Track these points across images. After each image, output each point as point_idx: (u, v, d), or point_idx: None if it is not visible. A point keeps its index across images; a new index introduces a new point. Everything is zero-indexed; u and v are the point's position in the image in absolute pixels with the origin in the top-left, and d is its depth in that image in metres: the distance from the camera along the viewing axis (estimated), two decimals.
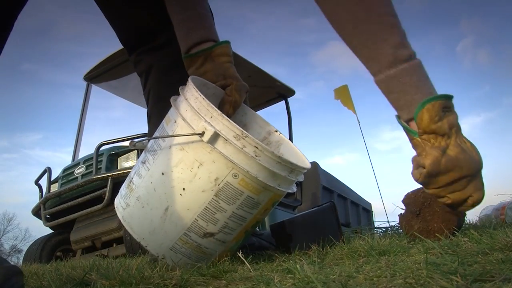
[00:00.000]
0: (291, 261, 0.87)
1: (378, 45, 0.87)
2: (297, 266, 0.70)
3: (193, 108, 0.89)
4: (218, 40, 1.14)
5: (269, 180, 0.88)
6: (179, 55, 1.15)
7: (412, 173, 0.90)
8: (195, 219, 0.89)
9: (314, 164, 4.79)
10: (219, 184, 0.87)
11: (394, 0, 0.90)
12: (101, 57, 4.00)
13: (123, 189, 1.02)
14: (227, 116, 0.87)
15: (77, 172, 3.54)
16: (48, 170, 3.71)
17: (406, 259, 0.72)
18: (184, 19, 1.13)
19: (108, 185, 3.12)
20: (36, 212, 3.79)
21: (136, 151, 3.33)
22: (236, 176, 0.86)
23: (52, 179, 3.72)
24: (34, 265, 1.86)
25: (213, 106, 0.87)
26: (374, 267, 0.68)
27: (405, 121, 0.91)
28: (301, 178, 0.98)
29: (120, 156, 3.44)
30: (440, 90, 0.89)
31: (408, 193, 1.00)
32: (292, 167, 0.92)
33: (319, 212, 1.19)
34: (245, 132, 0.85)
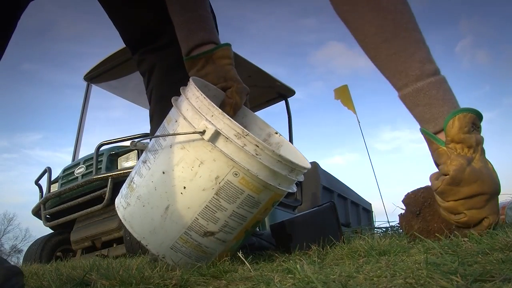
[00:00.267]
0: (291, 261, 0.87)
1: (405, 59, 0.88)
2: (297, 266, 0.70)
3: (194, 107, 0.89)
4: (219, 42, 1.14)
5: (269, 179, 0.89)
6: (181, 55, 1.15)
7: (432, 181, 0.89)
8: (196, 218, 0.89)
9: (314, 164, 4.79)
10: (219, 183, 0.87)
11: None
12: (101, 57, 4.01)
13: (124, 189, 1.02)
14: None
15: (77, 172, 3.54)
16: (48, 170, 3.72)
17: (406, 259, 0.72)
18: (185, 20, 1.13)
19: (108, 185, 3.12)
20: (36, 212, 3.79)
21: (136, 151, 3.33)
22: (236, 174, 0.86)
23: (52, 179, 3.72)
24: (34, 265, 1.86)
25: (214, 105, 0.87)
26: (374, 267, 0.68)
27: (433, 133, 0.90)
28: (301, 178, 0.98)
29: (120, 156, 3.44)
30: None
31: (408, 193, 1.00)
32: (293, 167, 0.92)
33: (319, 212, 1.19)
34: (246, 131, 0.85)
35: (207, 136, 0.85)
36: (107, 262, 1.14)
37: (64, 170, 3.74)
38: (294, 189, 0.99)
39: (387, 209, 5.64)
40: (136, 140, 0.95)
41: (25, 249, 4.14)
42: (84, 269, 0.95)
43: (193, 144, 0.88)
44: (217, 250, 0.94)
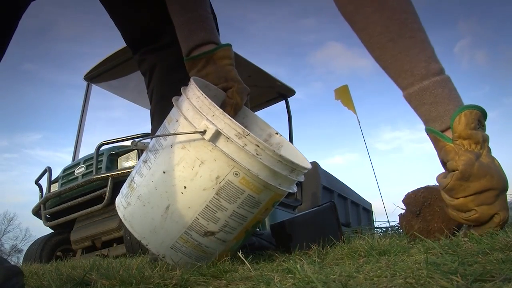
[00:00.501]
0: (291, 261, 0.87)
1: (410, 58, 0.89)
2: (297, 266, 0.70)
3: (194, 107, 0.89)
4: (219, 42, 1.14)
5: (270, 179, 0.89)
6: (182, 55, 1.15)
7: (439, 180, 0.89)
8: (196, 217, 0.89)
9: (314, 164, 4.79)
10: (220, 183, 0.87)
11: None
12: (101, 57, 4.01)
13: (124, 188, 1.02)
14: None
15: (77, 172, 3.54)
16: (48, 170, 3.72)
17: (406, 259, 0.72)
18: (185, 21, 1.13)
19: (108, 185, 3.12)
20: (37, 212, 3.79)
21: (136, 151, 3.33)
22: (237, 174, 0.86)
23: (52, 179, 3.72)
24: (34, 265, 1.86)
25: (215, 105, 0.88)
26: (374, 267, 0.68)
27: (440, 131, 0.90)
28: (301, 178, 0.98)
29: (120, 156, 3.44)
30: None
31: (408, 193, 1.00)
32: (293, 167, 0.92)
33: (319, 212, 1.19)
34: (247, 131, 0.85)
35: (207, 136, 0.85)
36: (107, 262, 1.14)
37: (64, 170, 3.74)
38: (294, 189, 0.99)
39: (387, 209, 5.64)
40: (136, 140, 0.95)
41: (25, 249, 4.15)
42: (84, 269, 0.95)
43: (194, 144, 0.88)
44: (217, 250, 0.94)
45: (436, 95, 0.88)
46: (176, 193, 0.90)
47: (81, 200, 3.34)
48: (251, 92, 1.17)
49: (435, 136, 0.90)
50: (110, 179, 3.14)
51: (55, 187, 3.66)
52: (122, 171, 3.18)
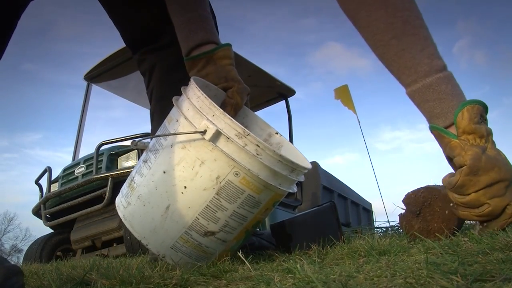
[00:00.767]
0: (291, 260, 0.87)
1: (414, 55, 0.89)
2: (297, 266, 0.70)
3: (195, 107, 0.89)
4: (219, 42, 1.14)
5: (270, 179, 0.89)
6: (182, 55, 1.15)
7: (446, 180, 0.88)
8: (196, 217, 0.89)
9: (314, 164, 4.79)
10: (220, 183, 0.87)
11: None
12: (101, 57, 4.01)
13: (124, 188, 1.02)
14: None
15: (77, 171, 3.54)
16: (48, 170, 3.72)
17: (406, 259, 0.72)
18: (185, 21, 1.13)
19: (109, 184, 3.12)
20: (37, 212, 3.79)
21: (136, 150, 3.33)
22: (237, 174, 0.86)
23: (52, 178, 3.72)
24: (34, 265, 1.86)
25: (215, 105, 0.87)
26: (374, 267, 0.68)
27: (444, 127, 0.90)
28: (301, 178, 0.98)
29: (120, 155, 3.44)
30: None
31: (408, 193, 1.00)
32: (293, 167, 0.92)
33: (319, 212, 1.19)
34: (247, 131, 0.85)
35: (208, 136, 0.85)
36: (107, 262, 1.14)
37: (64, 170, 3.74)
38: (294, 189, 0.99)
39: (387, 209, 5.64)
40: (136, 139, 0.95)
41: (25, 248, 4.15)
42: (84, 269, 0.95)
43: (194, 143, 0.88)
44: (217, 250, 0.94)
45: (440, 92, 0.89)
46: (176, 193, 0.90)
47: (81, 200, 3.34)
48: (251, 92, 1.17)
49: (440, 133, 0.90)
50: (110, 179, 3.14)
51: (55, 187, 3.66)
52: (122, 171, 3.18)
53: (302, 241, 1.08)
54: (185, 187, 0.89)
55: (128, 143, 3.51)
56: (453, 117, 0.88)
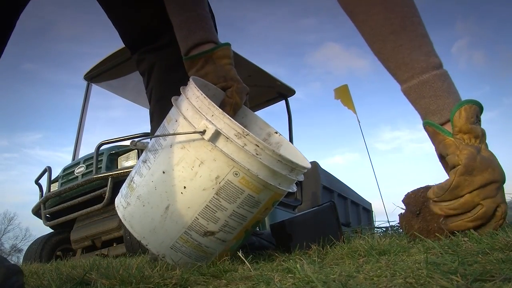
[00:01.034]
0: (291, 260, 0.87)
1: (411, 51, 0.89)
2: (297, 265, 0.70)
3: (194, 107, 0.89)
4: (218, 41, 1.14)
5: (269, 179, 0.89)
6: (181, 55, 1.15)
7: (436, 188, 0.88)
8: (196, 217, 0.89)
9: (314, 164, 4.79)
10: (220, 183, 0.87)
11: None
12: (101, 57, 4.01)
13: (123, 189, 1.02)
14: None
15: (77, 171, 3.55)
16: (48, 170, 3.72)
17: (406, 259, 0.72)
18: (183, 20, 1.13)
19: (108, 184, 3.13)
20: (36, 212, 3.79)
21: (136, 150, 3.33)
22: (237, 174, 0.86)
23: (52, 178, 3.72)
24: (34, 265, 1.86)
25: (214, 105, 0.87)
26: (374, 266, 0.68)
27: (439, 124, 0.90)
28: (301, 177, 0.98)
29: (120, 155, 3.45)
30: None
31: (408, 192, 1.00)
32: (293, 166, 0.92)
33: (319, 211, 1.19)
34: (246, 131, 0.85)
35: (207, 136, 0.85)
36: (107, 262, 1.14)
37: (64, 170, 3.74)
38: (294, 188, 0.99)
39: (387, 209, 5.64)
40: (136, 139, 0.95)
41: (25, 248, 4.15)
42: (84, 269, 0.95)
43: (193, 143, 0.88)
44: (217, 250, 0.94)
45: (436, 89, 0.89)
46: (176, 193, 0.90)
47: (81, 200, 3.34)
48: (251, 92, 1.17)
49: (434, 130, 0.91)
50: (110, 178, 3.14)
51: (55, 187, 3.66)
52: (122, 171, 3.18)
53: (302, 241, 1.07)
54: (184, 187, 0.89)
55: (128, 143, 3.51)
56: (448, 115, 0.88)
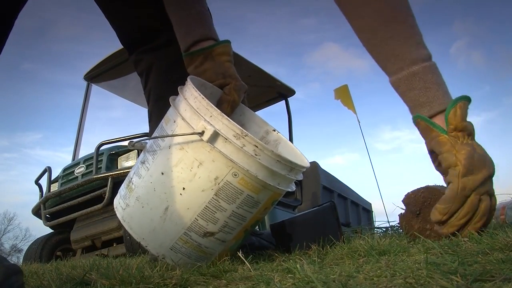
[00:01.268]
0: (291, 260, 0.87)
1: (401, 43, 0.89)
2: (297, 265, 0.70)
3: (192, 108, 0.89)
4: (217, 38, 1.14)
5: (268, 179, 0.89)
6: (179, 54, 1.15)
7: (436, 211, 0.88)
8: (195, 218, 0.89)
9: (314, 164, 4.78)
10: (219, 183, 0.87)
11: None
12: (101, 57, 4.01)
13: (122, 190, 1.02)
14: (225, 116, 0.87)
15: (77, 171, 3.54)
16: (48, 170, 3.72)
17: (406, 259, 0.72)
18: (183, 17, 1.13)
19: (108, 184, 3.12)
20: (36, 212, 3.79)
21: (136, 150, 3.33)
22: (236, 175, 0.86)
23: (52, 178, 3.72)
24: (34, 265, 1.86)
25: (213, 106, 0.87)
26: (374, 267, 0.68)
27: (428, 116, 0.91)
28: (300, 176, 0.98)
29: (120, 155, 3.44)
30: None
31: (408, 193, 1.00)
32: (292, 166, 0.92)
33: (319, 212, 1.19)
34: (245, 131, 0.85)
35: (206, 137, 0.85)
36: (107, 262, 1.14)
37: (64, 170, 3.74)
38: (293, 187, 0.99)
39: (387, 209, 5.64)
40: (134, 140, 0.95)
41: (25, 248, 4.15)
42: (84, 269, 0.95)
43: (192, 145, 0.88)
44: (217, 250, 0.94)
45: (426, 81, 0.88)
46: (175, 194, 0.89)
47: (81, 200, 3.34)
48: (251, 92, 1.17)
49: (426, 125, 0.90)
50: (110, 178, 3.14)
51: (55, 187, 3.66)
52: (122, 171, 3.18)
53: (302, 241, 1.07)
54: (183, 188, 0.89)
55: (127, 143, 3.50)
56: (438, 107, 0.88)
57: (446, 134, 0.88)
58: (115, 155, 3.46)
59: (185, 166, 0.88)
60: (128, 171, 0.99)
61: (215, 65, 1.10)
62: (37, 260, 3.38)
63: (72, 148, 4.25)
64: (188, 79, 0.96)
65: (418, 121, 0.92)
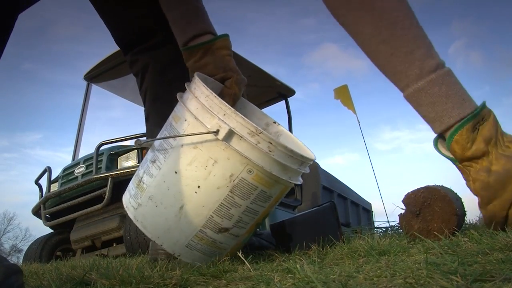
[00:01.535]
0: (291, 260, 0.87)
1: (403, 59, 0.86)
2: (297, 266, 0.70)
3: (204, 106, 0.89)
4: (215, 33, 1.14)
5: (281, 174, 0.90)
6: (174, 54, 1.15)
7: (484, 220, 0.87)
8: (211, 215, 0.91)
9: (314, 164, 4.79)
10: (234, 181, 0.88)
11: None
12: (101, 57, 4.01)
13: (132, 189, 1.02)
14: None
15: (77, 171, 3.55)
16: (48, 170, 3.72)
17: (406, 259, 0.72)
18: (181, 12, 1.13)
19: (108, 184, 3.12)
20: (36, 212, 3.79)
21: (136, 151, 3.33)
22: (250, 171, 0.88)
23: (52, 178, 3.72)
24: (34, 265, 1.86)
25: (226, 104, 0.88)
26: (374, 267, 0.68)
27: (439, 133, 0.88)
28: (307, 170, 1.00)
29: (120, 155, 3.45)
30: None
31: (408, 193, 1.00)
32: (303, 160, 0.94)
33: (319, 212, 1.19)
34: (259, 129, 0.87)
35: (221, 135, 0.86)
36: (107, 262, 1.14)
37: (64, 170, 3.74)
38: (301, 180, 1.01)
39: (387, 209, 5.64)
40: (141, 139, 0.96)
41: (25, 248, 4.15)
42: (84, 269, 0.95)
43: (206, 143, 0.89)
44: (230, 245, 0.96)
45: (432, 95, 0.85)
46: (190, 193, 0.90)
47: (81, 200, 3.34)
48: (251, 92, 1.17)
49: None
50: (110, 179, 3.14)
51: (55, 187, 3.66)
52: (122, 171, 3.18)
53: (302, 241, 1.07)
54: (198, 186, 0.90)
55: (127, 143, 3.51)
56: (448, 121, 0.85)
57: (458, 163, 0.87)
58: (115, 155, 3.46)
59: (200, 164, 0.89)
60: (128, 171, 0.99)
61: (215, 59, 1.10)
62: (37, 260, 3.38)
63: (72, 148, 4.26)
64: (196, 76, 0.96)
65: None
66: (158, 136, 1.00)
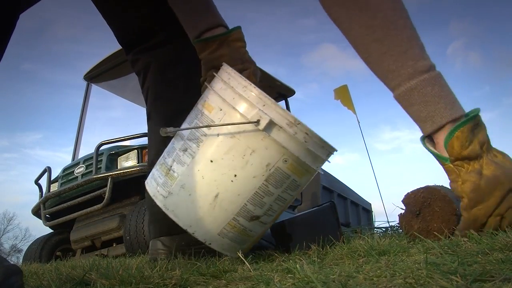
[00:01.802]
0: (291, 260, 0.87)
1: (397, 58, 0.87)
2: (297, 266, 0.70)
3: (242, 97, 0.91)
4: (227, 26, 1.15)
5: (312, 163, 0.93)
6: (176, 53, 1.15)
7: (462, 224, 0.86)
8: (245, 203, 0.92)
9: None
10: (270, 170, 0.90)
11: None
12: (101, 57, 4.02)
13: (159, 177, 1.01)
14: None
15: (77, 171, 3.55)
16: (48, 170, 3.72)
17: (406, 259, 0.72)
18: (191, 7, 1.13)
19: (108, 184, 3.13)
20: (36, 212, 3.79)
21: (136, 150, 3.34)
22: (286, 161, 0.90)
23: (52, 178, 3.72)
24: (34, 265, 1.86)
25: (266, 95, 0.90)
26: (374, 267, 0.68)
27: (429, 134, 0.88)
28: (330, 160, 1.03)
29: (120, 155, 3.45)
30: None
31: (408, 193, 1.00)
32: (330, 150, 0.97)
33: (319, 212, 1.19)
34: (298, 119, 0.89)
35: (261, 125, 0.88)
36: (106, 262, 1.14)
37: (64, 170, 3.75)
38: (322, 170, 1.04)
39: (387, 209, 5.65)
40: (168, 128, 0.96)
41: (25, 248, 4.15)
42: (84, 269, 0.95)
43: (245, 133, 0.90)
44: (258, 232, 0.98)
45: (425, 94, 0.86)
46: (226, 182, 0.91)
47: (81, 200, 3.34)
48: None
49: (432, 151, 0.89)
50: (109, 179, 3.14)
51: (54, 187, 3.67)
52: (122, 171, 3.18)
53: (301, 241, 1.07)
54: (235, 175, 0.91)
55: (127, 143, 3.51)
56: (440, 121, 0.85)
57: (449, 162, 0.86)
58: (115, 155, 3.46)
59: (237, 153, 0.91)
60: (128, 171, 0.98)
61: (231, 51, 1.10)
62: (37, 260, 3.39)
63: (72, 148, 4.26)
64: (224, 65, 0.97)
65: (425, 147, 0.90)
66: (185, 125, 1.00)
